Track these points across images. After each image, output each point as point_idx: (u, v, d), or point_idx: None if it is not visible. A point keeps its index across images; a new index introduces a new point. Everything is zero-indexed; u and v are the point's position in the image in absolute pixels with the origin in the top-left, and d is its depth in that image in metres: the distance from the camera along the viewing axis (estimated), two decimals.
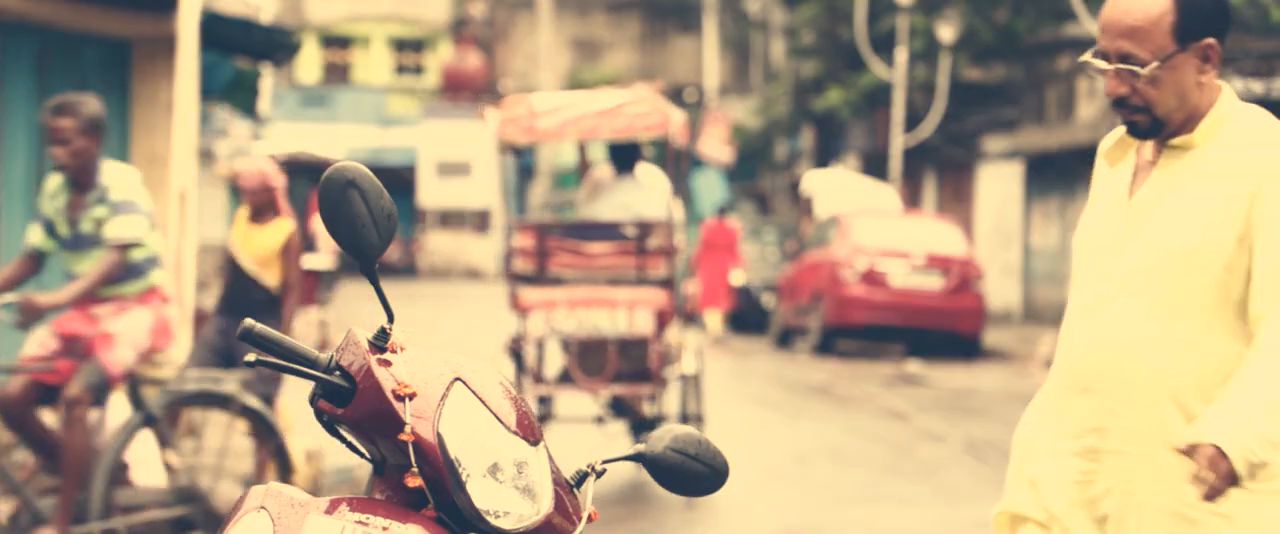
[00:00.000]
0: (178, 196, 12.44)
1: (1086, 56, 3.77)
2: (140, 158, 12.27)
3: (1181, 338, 3.69)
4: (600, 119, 11.34)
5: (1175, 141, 3.73)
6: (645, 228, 11.23)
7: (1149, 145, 3.81)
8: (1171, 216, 3.70)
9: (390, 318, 3.03)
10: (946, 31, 30.11)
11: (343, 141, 44.68)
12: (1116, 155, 3.86)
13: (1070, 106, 27.87)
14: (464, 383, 2.99)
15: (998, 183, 31.65)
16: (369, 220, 3.02)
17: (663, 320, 11.14)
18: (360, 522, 2.91)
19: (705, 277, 25.25)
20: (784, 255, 28.16)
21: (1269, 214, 3.63)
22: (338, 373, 2.99)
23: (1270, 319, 3.62)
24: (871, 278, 22.77)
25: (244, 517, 2.97)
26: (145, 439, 9.66)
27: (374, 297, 3.06)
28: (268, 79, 19.06)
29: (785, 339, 24.59)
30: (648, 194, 11.63)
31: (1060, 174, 28.78)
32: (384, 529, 2.90)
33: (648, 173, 11.86)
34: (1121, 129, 3.82)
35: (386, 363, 2.97)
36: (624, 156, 11.76)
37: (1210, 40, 3.68)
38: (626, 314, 11.07)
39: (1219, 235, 3.65)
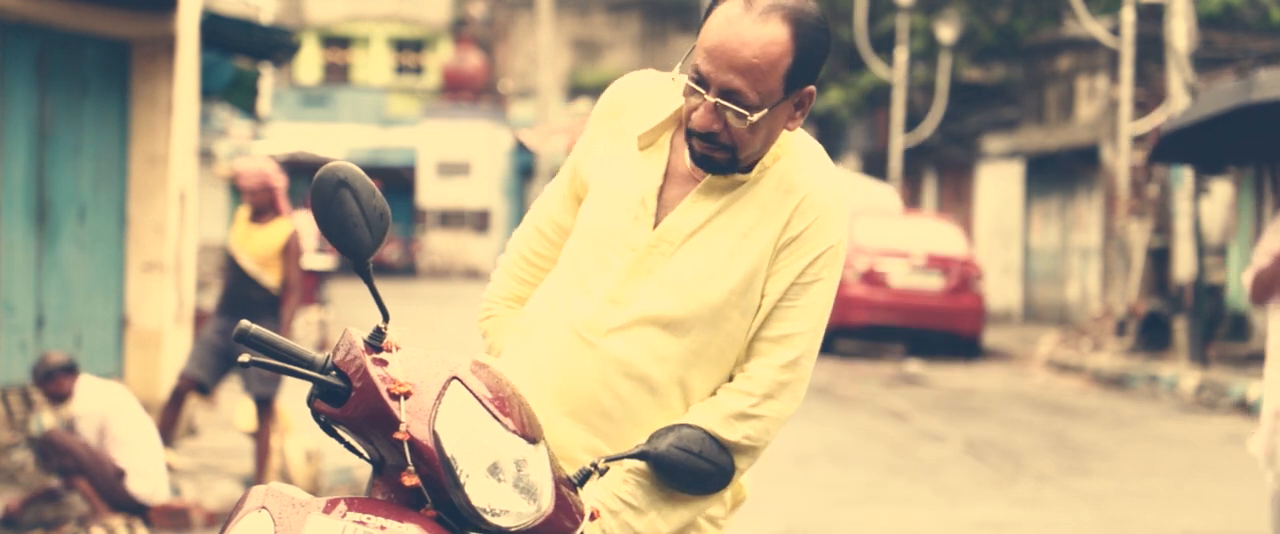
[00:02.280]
0: (178, 196, 12.44)
1: (678, 75, 3.25)
2: (140, 158, 12.28)
3: (687, 390, 3.36)
4: None
5: (726, 177, 3.31)
6: None
7: (686, 150, 3.35)
8: (704, 263, 3.31)
9: (385, 317, 3.03)
10: (946, 31, 30.10)
11: (343, 141, 44.69)
12: (648, 141, 3.38)
13: (1070, 106, 27.87)
14: (461, 382, 2.98)
15: (998, 183, 31.64)
16: (361, 220, 3.02)
17: None
18: (359, 521, 2.91)
19: None
20: None
21: (780, 279, 3.31)
22: (334, 373, 2.99)
23: (752, 385, 3.33)
24: (871, 278, 22.77)
25: (245, 517, 2.97)
26: (147, 443, 9.66)
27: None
28: (268, 79, 19.06)
29: None
30: None
31: (1060, 174, 28.77)
32: (382, 529, 2.90)
33: None
34: (664, 117, 3.37)
35: (382, 362, 2.96)
36: None
37: (811, 87, 3.25)
38: None
39: (748, 288, 3.31)
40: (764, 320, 3.34)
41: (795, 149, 3.35)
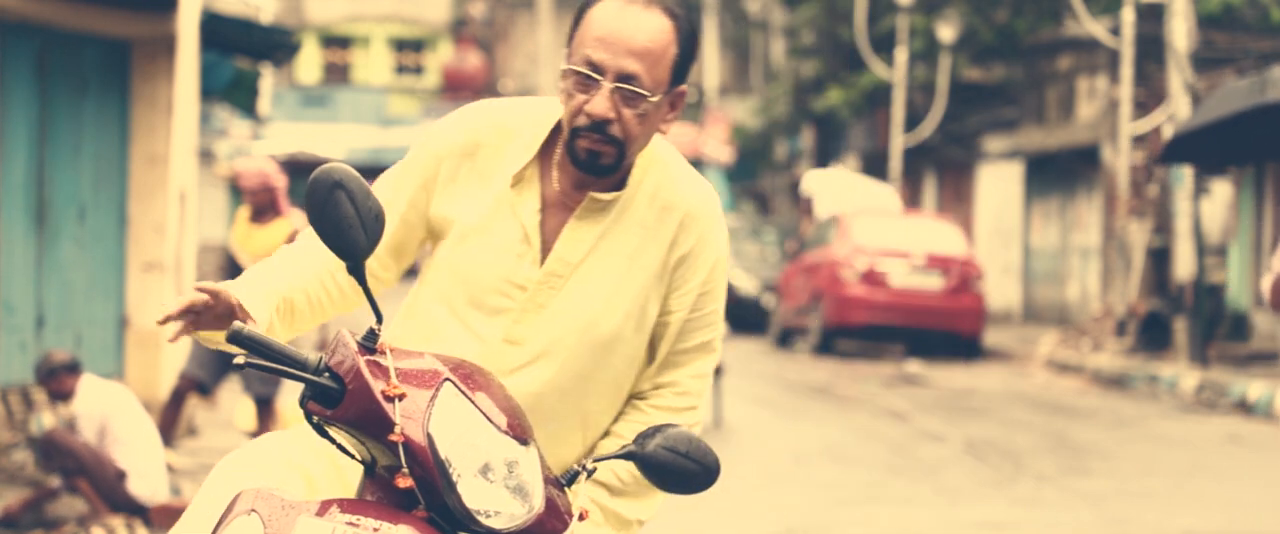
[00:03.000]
0: (178, 196, 12.45)
1: (573, 65, 3.26)
2: (140, 158, 12.28)
3: (586, 416, 3.42)
4: None
5: (601, 195, 3.34)
6: None
7: (557, 174, 3.37)
8: (594, 291, 3.34)
9: (379, 319, 3.05)
10: (946, 31, 30.10)
11: (343, 141, 44.67)
12: (521, 176, 3.37)
13: (1070, 106, 27.87)
14: (454, 383, 2.99)
15: (998, 183, 31.64)
16: (356, 221, 3.03)
17: None
18: (351, 523, 2.91)
19: None
20: (784, 255, 28.17)
21: (683, 294, 3.39)
22: (327, 374, 2.99)
23: (687, 401, 3.43)
24: (871, 278, 22.77)
25: (235, 520, 2.98)
26: (148, 444, 9.66)
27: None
28: (268, 79, 19.06)
29: (785, 339, 24.59)
30: None
31: (1060, 174, 28.77)
32: (375, 530, 2.91)
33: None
34: (531, 152, 3.35)
35: (375, 364, 2.97)
36: None
37: (684, 87, 3.34)
38: None
39: (643, 311, 3.38)
40: (679, 334, 3.44)
41: (663, 159, 3.41)
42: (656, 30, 3.26)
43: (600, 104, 3.24)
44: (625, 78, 3.24)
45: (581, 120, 3.26)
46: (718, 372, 14.44)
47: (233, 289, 3.19)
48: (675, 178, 3.40)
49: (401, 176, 3.44)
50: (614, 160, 3.29)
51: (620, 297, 3.37)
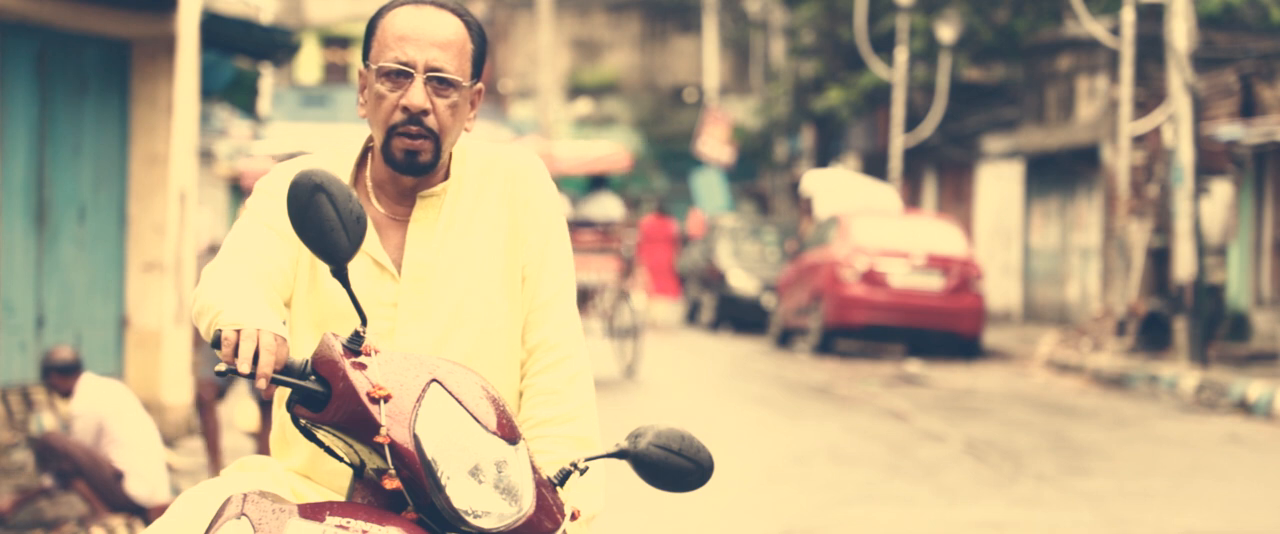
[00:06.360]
0: (178, 196, 12.44)
1: (383, 64, 3.36)
2: (140, 158, 12.28)
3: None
4: (593, 162, 19.69)
5: (429, 191, 3.42)
6: (608, 223, 18.63)
7: (376, 196, 3.45)
8: (460, 277, 3.40)
9: (364, 321, 3.05)
10: (946, 31, 30.08)
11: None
12: None
13: (1070, 106, 27.87)
14: (440, 384, 3.00)
15: (998, 183, 31.63)
16: (338, 224, 3.04)
17: (620, 274, 18.53)
18: (341, 526, 2.92)
19: (649, 267, 26.58)
20: (784, 255, 28.17)
21: (530, 247, 3.45)
22: (313, 378, 3.00)
23: (559, 353, 3.45)
24: (871, 278, 22.76)
25: (225, 524, 2.98)
26: (147, 444, 9.65)
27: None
28: (268, 79, 19.05)
29: (785, 339, 24.59)
30: (611, 203, 18.87)
31: (1060, 174, 28.77)
32: (364, 532, 2.91)
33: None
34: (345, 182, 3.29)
35: (361, 366, 2.98)
36: (599, 182, 19.39)
37: (481, 84, 3.45)
38: (598, 271, 18.29)
39: (509, 276, 3.44)
40: (536, 285, 3.46)
41: (472, 144, 3.51)
42: (454, 26, 3.39)
43: (417, 95, 3.34)
44: (435, 69, 3.35)
45: (398, 116, 3.36)
46: (634, 331, 18.43)
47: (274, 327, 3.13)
48: (488, 151, 3.50)
49: (261, 229, 3.38)
50: (432, 157, 3.37)
51: (488, 272, 3.41)
